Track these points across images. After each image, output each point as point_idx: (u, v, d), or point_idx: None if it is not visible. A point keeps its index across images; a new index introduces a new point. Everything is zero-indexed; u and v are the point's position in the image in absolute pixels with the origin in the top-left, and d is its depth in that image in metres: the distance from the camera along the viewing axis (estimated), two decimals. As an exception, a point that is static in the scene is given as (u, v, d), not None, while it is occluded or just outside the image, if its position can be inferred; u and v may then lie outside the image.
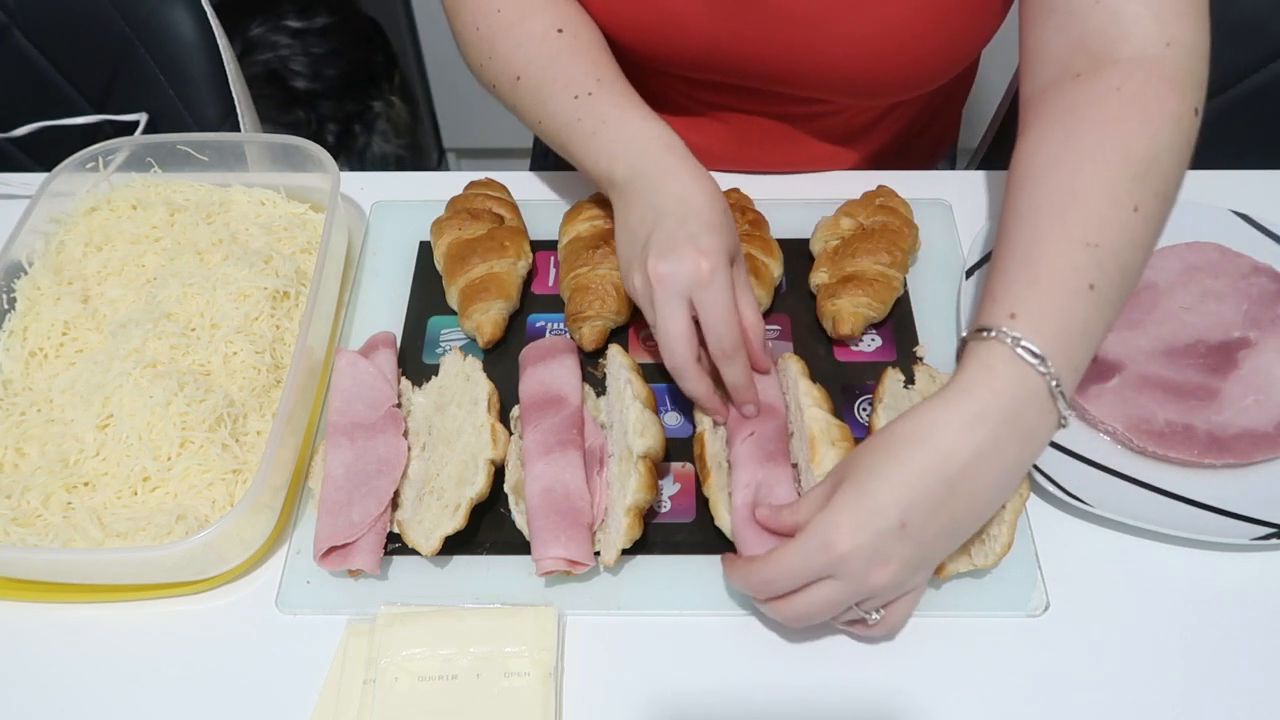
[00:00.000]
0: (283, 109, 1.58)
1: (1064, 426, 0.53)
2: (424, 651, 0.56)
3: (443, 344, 0.74)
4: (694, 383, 0.61)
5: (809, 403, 0.62)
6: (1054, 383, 0.51)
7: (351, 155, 1.70)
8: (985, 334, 0.53)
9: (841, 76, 0.75)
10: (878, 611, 0.53)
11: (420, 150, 1.93)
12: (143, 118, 1.03)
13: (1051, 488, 0.62)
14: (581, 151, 0.66)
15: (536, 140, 1.12)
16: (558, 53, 0.68)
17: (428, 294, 0.77)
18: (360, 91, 1.68)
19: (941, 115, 0.96)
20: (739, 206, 0.77)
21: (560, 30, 0.69)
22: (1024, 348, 0.51)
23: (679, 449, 0.67)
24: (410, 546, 0.60)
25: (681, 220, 0.60)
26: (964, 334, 0.58)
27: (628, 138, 0.64)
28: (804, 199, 0.82)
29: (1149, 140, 0.56)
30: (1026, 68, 0.65)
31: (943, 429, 0.50)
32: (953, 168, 1.06)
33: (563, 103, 0.66)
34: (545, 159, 1.09)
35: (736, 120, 0.84)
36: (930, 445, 0.50)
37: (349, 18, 1.65)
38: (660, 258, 0.59)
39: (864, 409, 0.69)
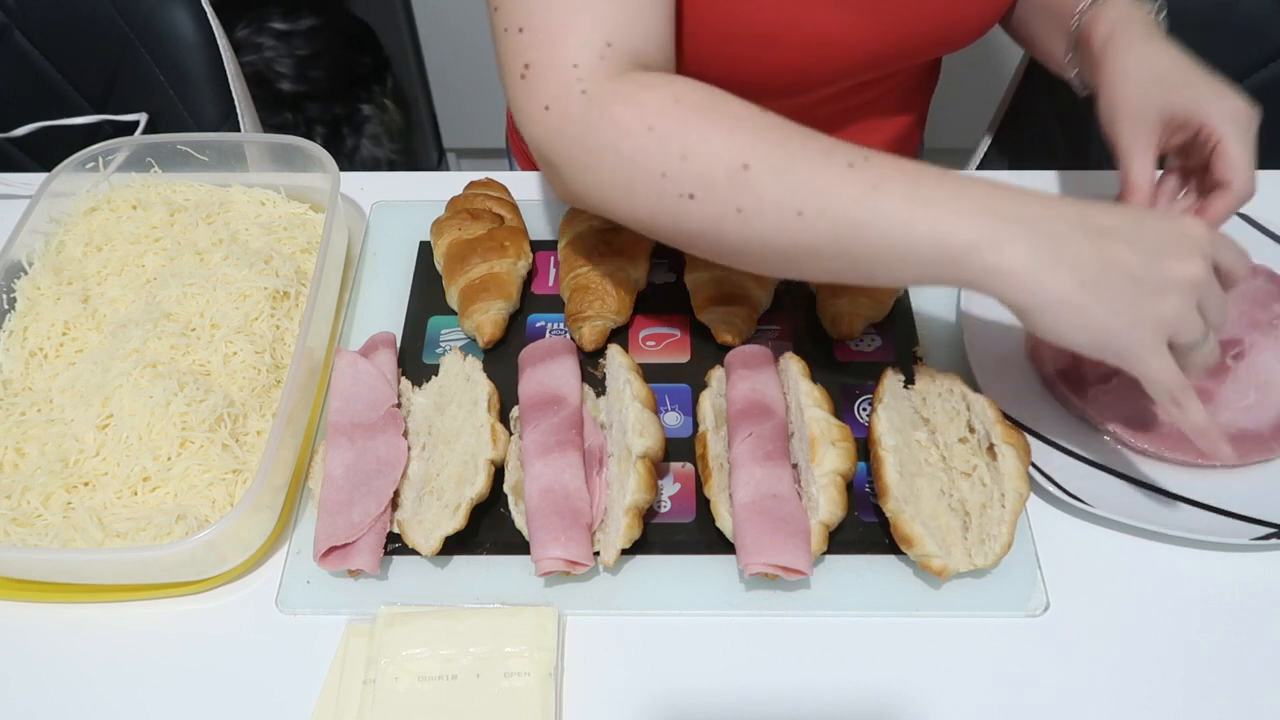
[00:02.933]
0: (269, 111, 1.59)
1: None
2: (424, 651, 0.56)
3: (443, 344, 0.74)
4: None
5: (809, 403, 0.62)
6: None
7: (339, 159, 1.70)
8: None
9: (965, 21, 0.77)
10: None
11: (414, 155, 1.93)
12: (143, 118, 1.03)
13: (1051, 488, 0.62)
14: (892, 222, 0.51)
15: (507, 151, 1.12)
16: (784, 127, 0.54)
17: (428, 294, 0.77)
18: (348, 94, 1.68)
19: (920, 106, 0.98)
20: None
21: (761, 109, 0.55)
22: None
23: (678, 449, 0.67)
24: (410, 546, 0.60)
25: (1121, 218, 0.52)
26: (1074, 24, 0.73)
27: (961, 186, 0.51)
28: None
29: None
30: None
31: (1165, 46, 0.68)
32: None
33: (836, 176, 0.52)
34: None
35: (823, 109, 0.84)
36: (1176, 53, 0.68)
37: (336, 20, 1.66)
38: (1177, 256, 0.51)
39: (864, 409, 0.69)
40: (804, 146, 0.53)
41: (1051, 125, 1.06)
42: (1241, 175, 0.64)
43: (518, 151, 1.06)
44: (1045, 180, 0.85)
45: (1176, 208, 0.70)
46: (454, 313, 0.75)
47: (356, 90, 1.70)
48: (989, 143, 1.09)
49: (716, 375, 0.68)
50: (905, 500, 0.59)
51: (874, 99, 0.86)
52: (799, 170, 0.52)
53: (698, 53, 0.71)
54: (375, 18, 1.74)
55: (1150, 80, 0.67)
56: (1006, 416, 0.63)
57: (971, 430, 0.63)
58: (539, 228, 0.79)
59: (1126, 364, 0.52)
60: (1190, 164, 0.69)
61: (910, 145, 0.99)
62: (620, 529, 0.58)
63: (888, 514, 0.59)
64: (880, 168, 0.52)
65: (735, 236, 0.54)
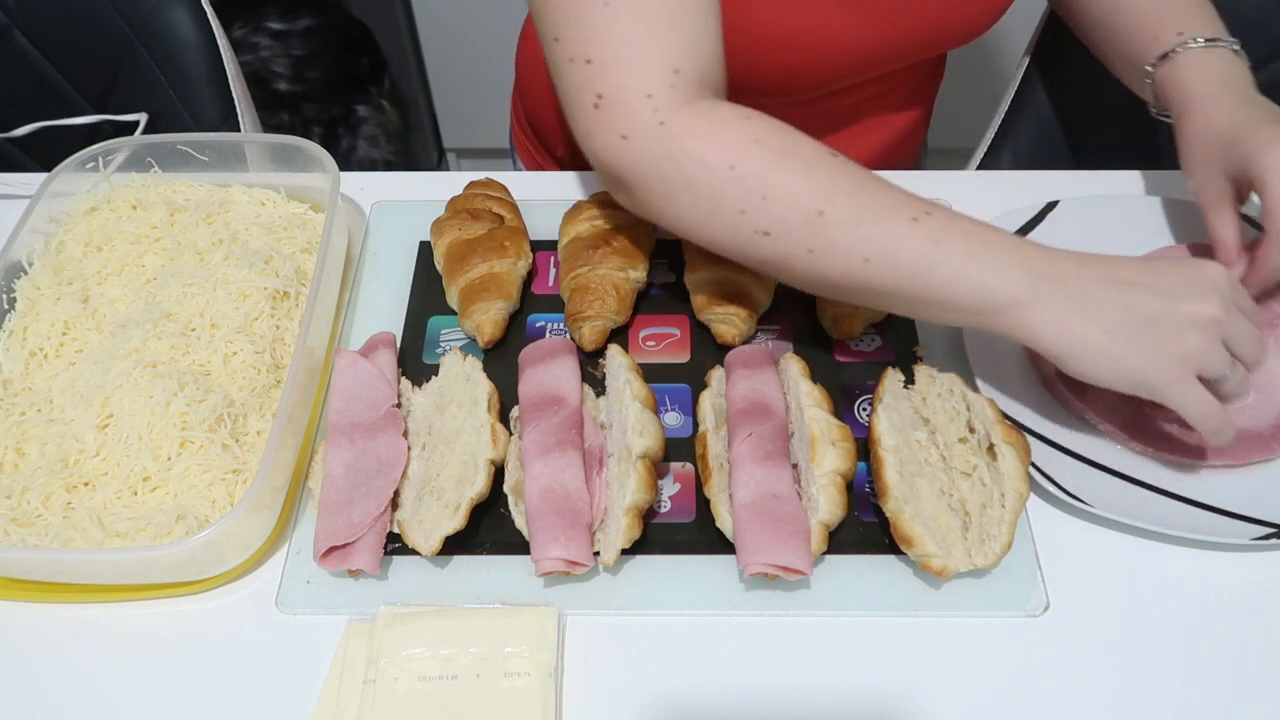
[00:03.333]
0: (266, 111, 1.58)
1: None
2: (424, 651, 0.56)
3: (443, 344, 0.74)
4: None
5: (809, 403, 0.62)
6: (1235, 47, 0.72)
7: (335, 159, 1.70)
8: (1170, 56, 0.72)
9: (966, 17, 0.77)
10: None
11: (412, 156, 1.93)
12: (143, 118, 1.03)
13: (1051, 488, 0.62)
14: (952, 278, 0.56)
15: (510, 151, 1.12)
16: (858, 175, 0.58)
17: (428, 294, 0.77)
18: (344, 95, 1.68)
19: (925, 103, 0.98)
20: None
21: (834, 154, 0.59)
22: (1206, 40, 0.72)
23: (678, 449, 0.67)
24: (410, 546, 0.60)
25: (1138, 266, 0.58)
26: (1147, 67, 0.74)
27: (1003, 245, 0.57)
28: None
29: None
30: None
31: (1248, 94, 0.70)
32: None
33: (902, 230, 0.56)
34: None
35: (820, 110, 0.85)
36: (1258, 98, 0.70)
37: (333, 20, 1.66)
38: (1197, 299, 0.56)
39: (864, 409, 0.69)
40: (876, 198, 0.57)
41: (1051, 125, 1.06)
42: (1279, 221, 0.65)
43: (522, 151, 1.06)
44: (1045, 180, 0.85)
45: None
46: (454, 313, 0.75)
47: (353, 91, 1.69)
48: (989, 142, 1.09)
49: (716, 375, 0.68)
50: (905, 500, 0.59)
51: (878, 95, 0.87)
52: (869, 220, 0.56)
53: None
54: (375, 18, 1.74)
55: (1210, 141, 0.68)
56: (1006, 417, 0.63)
57: (971, 430, 0.63)
58: (539, 228, 0.79)
59: (1159, 398, 0.57)
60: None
61: (915, 141, 0.99)
62: (620, 529, 0.58)
63: (888, 514, 0.59)
64: (942, 224, 0.57)
65: (804, 270, 0.59)
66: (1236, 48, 0.72)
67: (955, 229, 0.57)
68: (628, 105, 0.57)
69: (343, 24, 1.68)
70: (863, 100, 0.86)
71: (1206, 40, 0.72)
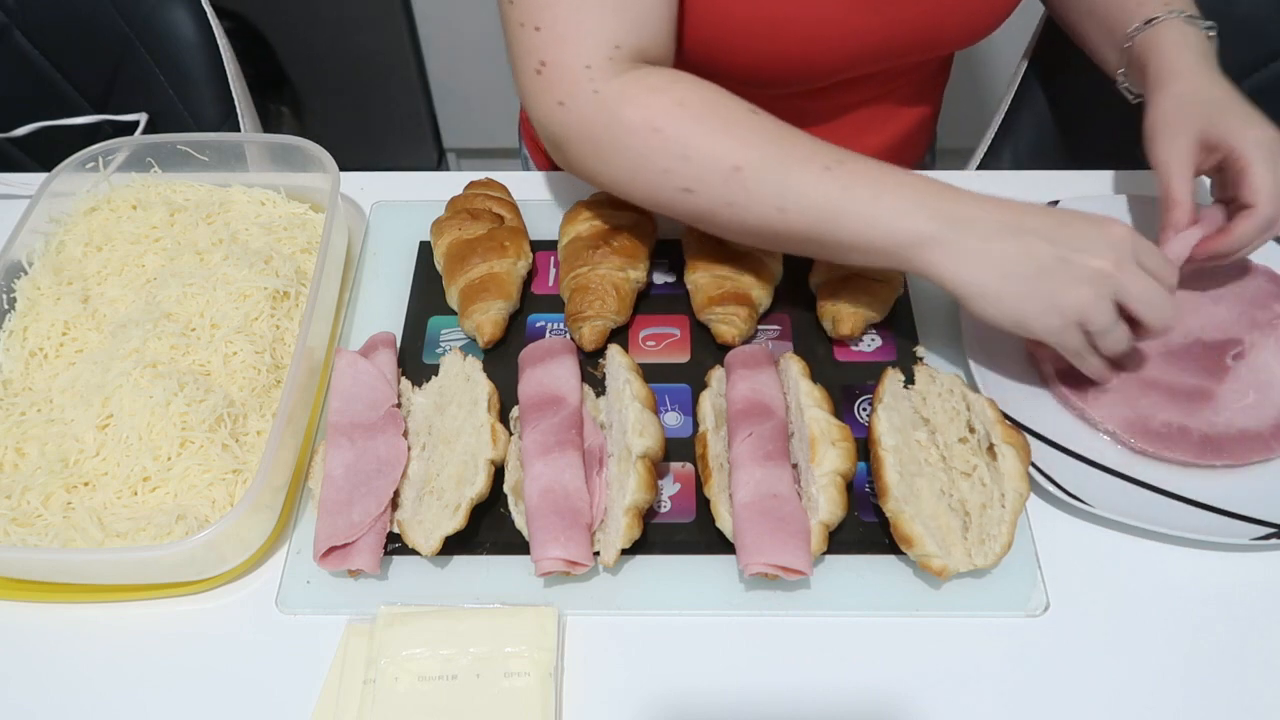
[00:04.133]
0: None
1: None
2: (424, 651, 0.56)
3: (443, 344, 0.74)
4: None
5: (809, 403, 0.62)
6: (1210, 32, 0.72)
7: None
8: (1156, 21, 0.72)
9: (969, 17, 0.78)
10: None
11: (414, 155, 1.91)
12: (143, 118, 1.04)
13: (1051, 488, 0.62)
14: (863, 223, 0.60)
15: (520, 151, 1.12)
16: (773, 131, 0.62)
17: (428, 294, 0.77)
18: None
19: (932, 103, 0.98)
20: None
21: (754, 111, 0.63)
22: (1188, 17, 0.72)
23: (678, 449, 0.67)
24: (410, 546, 0.60)
25: (1046, 218, 0.60)
26: (1131, 28, 0.75)
27: (913, 189, 0.60)
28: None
29: None
30: None
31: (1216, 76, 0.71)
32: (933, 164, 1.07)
33: (813, 178, 0.60)
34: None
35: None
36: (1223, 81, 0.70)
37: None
38: (1094, 253, 0.58)
39: (864, 409, 0.69)
40: (789, 150, 0.61)
41: (1051, 125, 1.06)
42: (1266, 199, 0.66)
43: (532, 147, 1.06)
44: (1045, 180, 0.85)
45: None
46: (454, 313, 0.75)
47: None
48: (989, 142, 1.09)
49: (716, 375, 0.68)
50: (905, 500, 0.59)
51: (884, 92, 0.87)
52: (783, 172, 0.60)
53: (700, 43, 0.72)
54: (375, 18, 1.74)
55: (1192, 103, 0.69)
56: (1006, 417, 0.63)
57: (971, 430, 0.63)
58: (539, 228, 0.79)
59: (1042, 340, 0.62)
60: (1225, 195, 0.70)
61: (922, 140, 0.99)
62: (620, 529, 0.58)
63: (888, 514, 0.59)
64: (853, 171, 0.60)
65: (726, 222, 0.64)
66: (1213, 33, 0.74)
67: (866, 175, 0.60)
68: (567, 74, 0.62)
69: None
70: (869, 97, 0.86)
71: (1188, 17, 0.73)
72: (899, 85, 0.88)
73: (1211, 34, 0.74)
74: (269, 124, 1.70)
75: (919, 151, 1.00)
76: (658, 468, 0.62)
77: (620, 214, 0.75)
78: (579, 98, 0.62)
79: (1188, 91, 0.70)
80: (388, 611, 0.58)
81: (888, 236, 0.60)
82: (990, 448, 0.61)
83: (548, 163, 1.04)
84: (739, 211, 0.62)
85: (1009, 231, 0.59)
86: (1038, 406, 0.68)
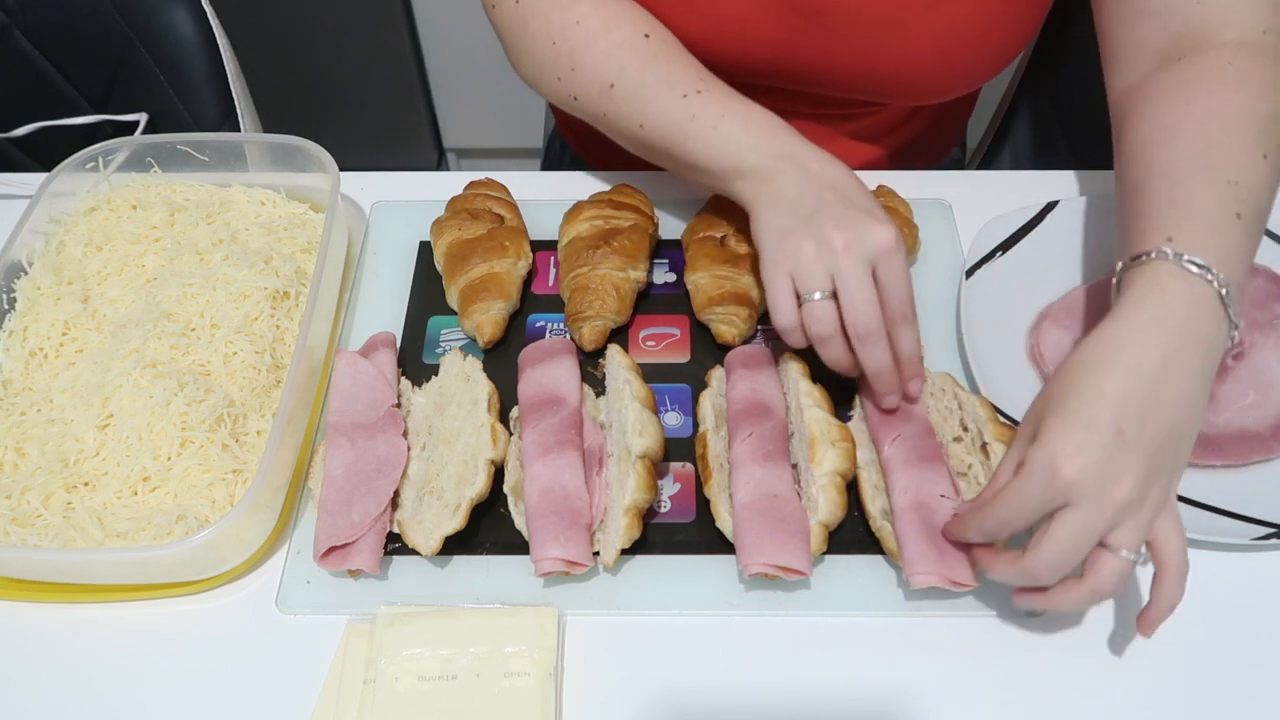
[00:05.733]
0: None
1: (1235, 330, 0.55)
2: (424, 651, 0.56)
3: (443, 344, 0.74)
4: (882, 350, 0.60)
5: (809, 403, 0.62)
6: (1223, 290, 0.53)
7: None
8: (1145, 258, 0.55)
9: (909, 76, 0.76)
10: (1135, 553, 0.51)
11: (414, 155, 1.90)
12: (143, 118, 1.04)
13: (1051, 488, 0.62)
14: (700, 146, 0.66)
15: (550, 142, 1.11)
16: (651, 57, 0.69)
17: (428, 294, 0.77)
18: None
19: (952, 116, 0.96)
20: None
21: (647, 35, 0.69)
22: (1189, 261, 0.54)
23: (678, 449, 0.67)
24: (410, 546, 0.60)
25: (846, 195, 0.61)
26: (1119, 264, 0.58)
27: (755, 126, 0.65)
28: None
29: (1269, 102, 0.60)
30: (1117, 65, 0.69)
31: (1125, 340, 0.52)
32: (964, 156, 1.07)
33: (670, 103, 0.67)
34: (560, 161, 1.08)
35: None
36: (1121, 355, 0.52)
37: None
38: (841, 228, 0.59)
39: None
40: (658, 76, 0.68)
41: (1051, 125, 1.06)
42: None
43: (568, 134, 1.06)
44: (1045, 180, 0.85)
45: None
46: (454, 313, 0.75)
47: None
48: (989, 143, 1.09)
49: (716, 375, 0.68)
50: (885, 516, 0.60)
51: (845, 128, 0.87)
52: (646, 94, 0.68)
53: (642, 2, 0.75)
54: (375, 18, 1.74)
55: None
56: (1002, 415, 0.63)
57: (965, 429, 0.63)
58: (539, 228, 0.79)
59: (763, 279, 0.62)
60: None
61: (938, 146, 0.98)
62: (620, 529, 0.58)
63: (874, 531, 0.60)
64: (707, 101, 0.66)
65: (605, 128, 0.73)
66: (1210, 276, 0.54)
67: (716, 106, 0.66)
68: None
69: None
70: (826, 124, 0.86)
71: (1187, 260, 0.54)
72: (861, 126, 0.87)
73: (1223, 291, 0.54)
74: (269, 124, 1.70)
75: (934, 155, 0.99)
76: (657, 468, 0.62)
77: (620, 214, 0.75)
78: (505, 4, 0.73)
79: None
80: (388, 611, 0.58)
81: (716, 162, 0.65)
82: (984, 446, 0.61)
83: (583, 151, 1.03)
84: (611, 121, 0.71)
85: (811, 182, 0.62)
86: (1038, 406, 0.68)
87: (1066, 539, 0.50)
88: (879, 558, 0.61)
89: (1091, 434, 0.50)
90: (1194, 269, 0.53)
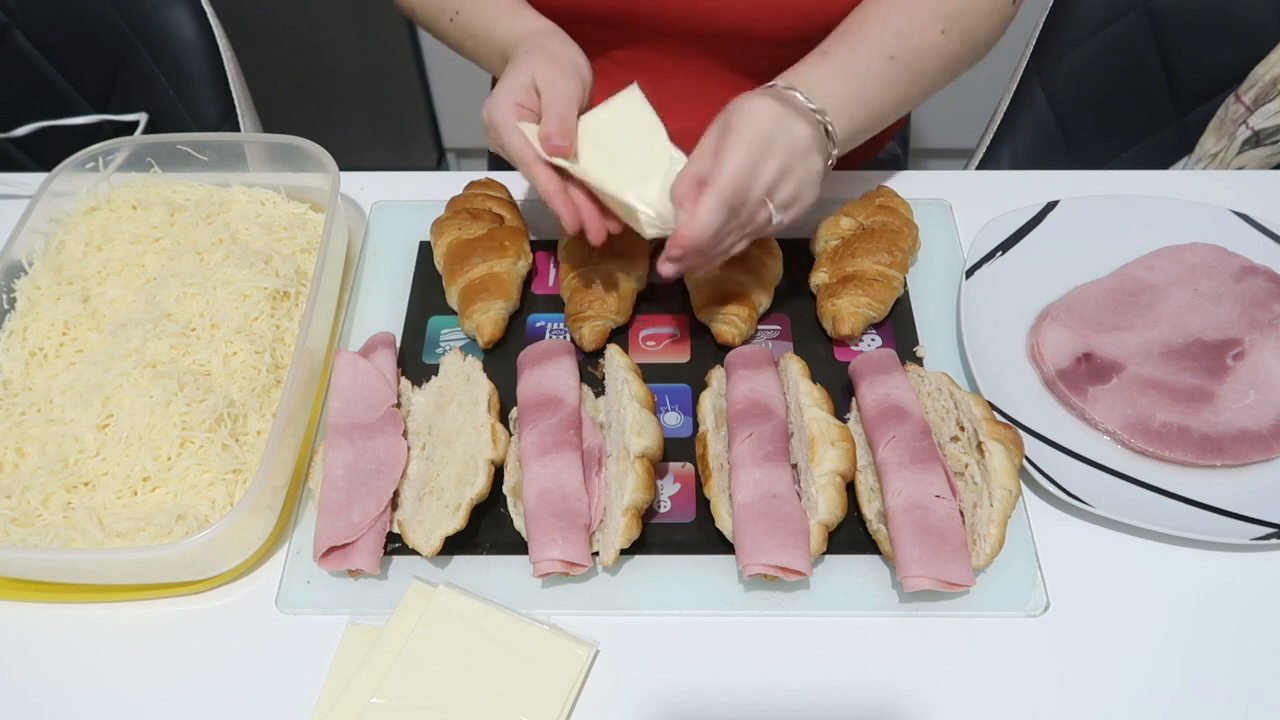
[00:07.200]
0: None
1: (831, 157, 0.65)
2: (466, 630, 0.58)
3: (443, 344, 0.74)
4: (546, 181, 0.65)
5: (809, 403, 0.62)
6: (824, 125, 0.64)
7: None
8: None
9: (747, 12, 0.76)
10: (779, 212, 0.63)
11: (414, 155, 1.89)
12: (143, 118, 1.04)
13: (1051, 488, 0.62)
14: (491, 26, 0.74)
15: None
16: None
17: (428, 294, 0.77)
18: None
19: None
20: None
21: None
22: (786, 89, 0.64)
23: (678, 449, 0.67)
24: (410, 546, 0.60)
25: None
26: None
27: (524, 27, 0.73)
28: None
29: None
30: None
31: (752, 109, 0.62)
32: (904, 154, 1.06)
33: (498, 19, 0.74)
34: None
35: (648, 79, 0.81)
36: (752, 119, 0.62)
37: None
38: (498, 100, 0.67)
39: (864, 409, 0.69)
40: (487, 5, 0.76)
41: (1051, 125, 1.06)
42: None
43: None
44: (1045, 180, 0.85)
45: None
46: (454, 313, 0.75)
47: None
48: (989, 143, 1.09)
49: (717, 375, 0.68)
50: (881, 519, 0.60)
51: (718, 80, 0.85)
52: (472, 15, 0.76)
53: None
54: (375, 18, 1.74)
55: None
56: (999, 414, 0.63)
57: (961, 428, 0.63)
58: (539, 228, 0.79)
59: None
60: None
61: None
62: (619, 529, 0.58)
63: (871, 534, 0.60)
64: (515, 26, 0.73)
65: (436, 17, 0.81)
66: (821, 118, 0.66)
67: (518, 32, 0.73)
68: None
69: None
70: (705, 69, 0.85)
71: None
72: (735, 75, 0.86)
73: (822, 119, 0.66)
74: (269, 124, 1.70)
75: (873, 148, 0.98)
76: (656, 468, 0.62)
77: (620, 214, 0.75)
78: None
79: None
80: (448, 590, 0.59)
81: (500, 48, 0.73)
82: (980, 445, 0.61)
83: None
84: (452, 45, 0.81)
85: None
86: (1038, 406, 0.68)
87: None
88: (878, 558, 0.61)
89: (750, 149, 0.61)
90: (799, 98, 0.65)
